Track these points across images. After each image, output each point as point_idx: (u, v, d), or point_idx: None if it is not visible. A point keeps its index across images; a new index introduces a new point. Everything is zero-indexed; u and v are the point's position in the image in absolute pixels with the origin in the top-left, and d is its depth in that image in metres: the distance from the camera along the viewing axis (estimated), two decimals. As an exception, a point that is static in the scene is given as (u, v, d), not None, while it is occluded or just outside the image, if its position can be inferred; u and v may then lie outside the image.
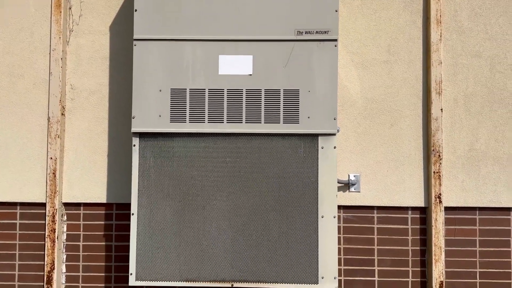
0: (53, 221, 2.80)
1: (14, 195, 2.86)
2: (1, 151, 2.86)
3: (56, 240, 2.80)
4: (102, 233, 2.86)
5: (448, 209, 2.80)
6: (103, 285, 2.85)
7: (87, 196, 2.84)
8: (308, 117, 2.49)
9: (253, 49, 2.50)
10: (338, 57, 2.51)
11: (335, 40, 2.49)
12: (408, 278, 2.82)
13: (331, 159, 2.49)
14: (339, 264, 2.80)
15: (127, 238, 2.81)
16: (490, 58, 2.84)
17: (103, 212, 2.86)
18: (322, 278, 2.46)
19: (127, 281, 2.62)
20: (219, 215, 2.49)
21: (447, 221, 2.81)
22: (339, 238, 2.81)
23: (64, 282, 2.86)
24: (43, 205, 2.84)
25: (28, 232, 2.86)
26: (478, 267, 2.81)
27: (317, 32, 2.49)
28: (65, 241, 2.87)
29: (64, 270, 2.86)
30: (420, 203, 2.81)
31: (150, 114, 2.51)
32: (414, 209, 2.83)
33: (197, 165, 2.50)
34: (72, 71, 2.89)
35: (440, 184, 2.77)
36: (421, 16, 2.85)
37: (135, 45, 2.52)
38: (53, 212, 2.80)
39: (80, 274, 2.85)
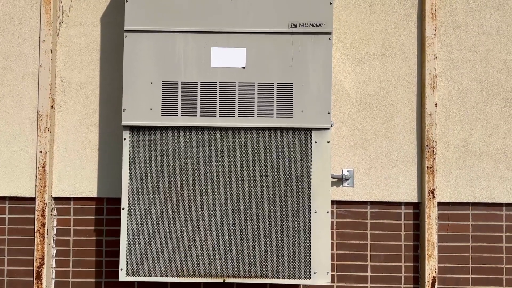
0: (43, 216, 2.76)
1: (3, 189, 2.81)
2: (-10, 145, 2.82)
3: (45, 235, 2.76)
4: (93, 228, 2.82)
5: (441, 204, 2.80)
6: (93, 280, 2.82)
7: (78, 190, 2.80)
8: (302, 111, 2.46)
9: (246, 41, 2.46)
10: (332, 51, 2.48)
11: (330, 33, 2.46)
12: (401, 273, 2.81)
13: (324, 153, 2.47)
14: (332, 259, 2.79)
15: (118, 233, 2.77)
16: (484, 53, 2.82)
17: (94, 206, 2.82)
18: (315, 273, 2.45)
19: (118, 276, 2.59)
20: (211, 210, 2.46)
21: (440, 217, 2.80)
22: (332, 233, 2.79)
23: (54, 277, 2.83)
24: (32, 199, 2.80)
25: (18, 226, 2.82)
26: (470, 262, 2.81)
27: (311, 25, 2.46)
28: (55, 236, 2.83)
29: (54, 265, 2.82)
30: (414, 198, 2.80)
31: (141, 107, 2.47)
32: (407, 204, 2.82)
33: (189, 159, 2.47)
34: (62, 63, 2.84)
35: (433, 180, 2.76)
36: (416, 10, 2.83)
37: (125, 37, 2.47)
38: (42, 207, 2.76)
39: (71, 269, 2.82)
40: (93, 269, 2.82)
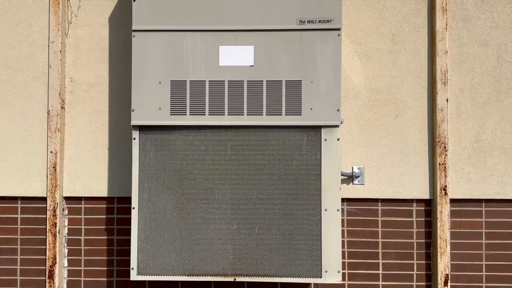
0: (54, 215, 2.79)
1: (15, 189, 2.84)
2: (1, 145, 2.84)
3: (57, 234, 2.79)
4: (104, 227, 2.84)
5: (453, 201, 2.76)
6: (105, 279, 2.83)
7: (88, 190, 2.82)
8: (311, 109, 2.44)
9: (254, 39, 2.45)
10: (341, 47, 2.45)
11: (339, 29, 2.44)
12: (413, 271, 2.78)
13: (334, 151, 2.45)
14: (343, 257, 2.77)
15: (129, 232, 2.79)
16: (497, 47, 2.77)
17: (105, 206, 2.84)
18: (326, 271, 2.44)
19: (129, 275, 2.61)
20: (221, 209, 2.46)
21: (453, 214, 2.77)
22: (342, 231, 2.78)
23: (66, 276, 2.85)
24: (44, 199, 2.82)
25: (30, 226, 2.84)
26: (484, 259, 2.77)
27: (319, 21, 2.44)
28: (66, 235, 2.85)
29: (66, 264, 2.85)
30: (425, 195, 2.77)
31: (150, 106, 2.47)
32: (419, 201, 2.79)
33: (198, 158, 2.46)
34: (71, 63, 2.85)
35: (445, 176, 2.73)
36: (426, 4, 2.79)
37: (134, 36, 2.47)
38: (54, 206, 2.79)
39: (82, 268, 2.84)
40: (105, 268, 2.84)
